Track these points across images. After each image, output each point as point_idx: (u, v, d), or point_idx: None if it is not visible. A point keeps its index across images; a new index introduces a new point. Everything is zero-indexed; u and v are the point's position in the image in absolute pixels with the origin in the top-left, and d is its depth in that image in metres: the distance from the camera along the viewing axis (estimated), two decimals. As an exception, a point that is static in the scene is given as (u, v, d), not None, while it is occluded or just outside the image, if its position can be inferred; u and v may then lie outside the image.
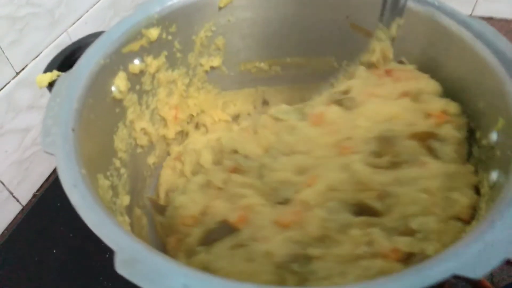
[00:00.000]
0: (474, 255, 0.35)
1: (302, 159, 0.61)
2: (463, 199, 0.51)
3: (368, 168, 0.56)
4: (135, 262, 0.35)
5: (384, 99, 0.62)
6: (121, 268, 0.35)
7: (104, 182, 0.52)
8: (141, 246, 0.37)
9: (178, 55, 0.69)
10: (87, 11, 0.93)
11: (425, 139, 0.57)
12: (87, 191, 0.41)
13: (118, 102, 0.60)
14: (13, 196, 0.83)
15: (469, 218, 0.50)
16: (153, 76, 0.66)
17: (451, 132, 0.57)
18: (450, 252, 0.35)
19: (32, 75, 0.80)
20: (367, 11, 0.66)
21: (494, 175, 0.47)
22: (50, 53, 0.83)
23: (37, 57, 0.81)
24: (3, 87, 0.75)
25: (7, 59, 0.75)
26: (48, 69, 0.58)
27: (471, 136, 0.57)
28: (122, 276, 0.34)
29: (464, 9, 1.22)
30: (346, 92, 0.66)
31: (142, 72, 0.64)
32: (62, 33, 0.86)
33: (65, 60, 0.60)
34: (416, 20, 0.61)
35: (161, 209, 0.64)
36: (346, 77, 0.71)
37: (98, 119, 0.55)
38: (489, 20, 1.22)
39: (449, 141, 0.57)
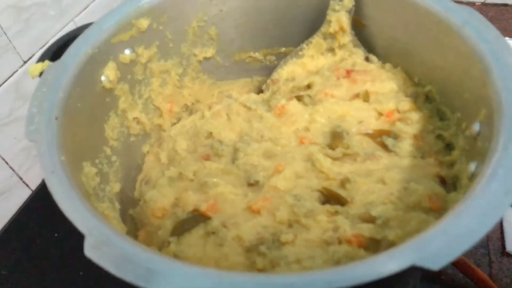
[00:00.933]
0: (436, 246, 0.35)
1: (270, 146, 0.66)
2: (420, 189, 0.54)
3: (327, 159, 0.61)
4: (103, 245, 0.37)
5: (338, 99, 0.68)
6: (89, 251, 0.36)
7: (90, 170, 0.53)
8: (110, 231, 0.38)
9: (171, 45, 0.70)
10: (94, 0, 0.94)
11: (377, 136, 0.63)
12: (64, 177, 0.43)
13: (109, 91, 0.62)
14: (23, 181, 0.86)
15: (438, 208, 0.52)
16: (145, 66, 0.67)
17: (404, 128, 0.62)
18: (412, 243, 0.35)
19: None
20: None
21: (472, 166, 0.46)
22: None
23: (44, 46, 0.83)
24: (11, 76, 0.78)
25: (14, 48, 0.77)
26: (41, 59, 0.59)
27: (458, 126, 0.56)
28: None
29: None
30: (309, 86, 0.72)
31: (133, 62, 0.65)
32: (69, 22, 0.88)
33: (58, 51, 0.61)
34: (405, 6, 0.60)
35: (132, 202, 0.66)
36: (308, 46, 0.74)
37: (86, 108, 0.56)
38: (504, 6, 1.19)
39: (402, 137, 0.61)
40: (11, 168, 0.83)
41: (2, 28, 0.73)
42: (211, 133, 0.71)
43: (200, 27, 0.71)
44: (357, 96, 0.68)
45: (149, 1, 0.63)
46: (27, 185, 0.88)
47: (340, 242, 0.52)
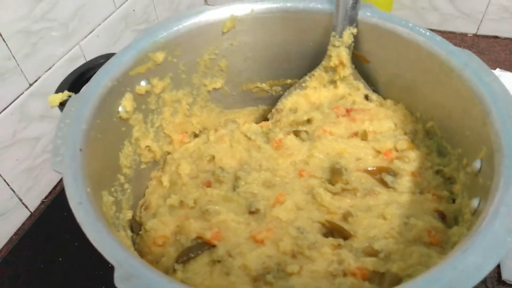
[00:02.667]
0: (446, 281, 0.37)
1: (269, 176, 0.69)
2: (419, 224, 0.57)
3: (327, 193, 0.64)
4: (132, 277, 0.38)
5: (336, 137, 0.72)
6: (119, 282, 0.38)
7: (108, 199, 0.55)
8: (138, 262, 0.40)
9: (183, 76, 0.73)
10: (99, 24, 0.97)
11: (376, 173, 0.67)
12: (91, 208, 0.45)
13: (124, 121, 0.64)
14: (22, 203, 0.87)
15: (438, 242, 0.55)
16: (158, 96, 0.70)
17: (402, 166, 0.66)
18: (423, 278, 0.38)
19: (45, 87, 0.84)
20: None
21: (475, 202, 0.49)
22: (62, 65, 0.88)
23: (50, 69, 0.85)
24: (17, 98, 0.79)
25: (21, 71, 0.79)
26: (60, 89, 0.62)
27: (459, 162, 0.59)
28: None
29: (469, 28, 1.24)
30: (309, 121, 0.75)
31: (148, 93, 0.68)
32: (74, 46, 0.91)
33: (76, 81, 0.64)
34: (409, 48, 0.64)
35: (135, 228, 0.67)
36: (311, 78, 0.78)
37: (104, 138, 0.58)
38: (494, 39, 1.24)
39: (401, 174, 0.65)
40: (11, 189, 0.84)
41: (11, 52, 0.76)
42: (213, 157, 0.73)
43: (211, 59, 0.74)
44: (355, 134, 0.72)
45: (165, 35, 0.66)
46: (26, 207, 0.89)
47: (345, 274, 0.55)
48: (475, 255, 0.39)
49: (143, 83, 0.66)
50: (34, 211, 0.90)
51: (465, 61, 0.57)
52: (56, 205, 0.88)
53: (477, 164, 0.52)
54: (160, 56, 0.66)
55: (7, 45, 0.74)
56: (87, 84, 0.58)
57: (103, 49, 0.99)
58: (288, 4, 0.70)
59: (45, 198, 0.92)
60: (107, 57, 0.65)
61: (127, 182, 0.65)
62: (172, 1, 1.28)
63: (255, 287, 0.55)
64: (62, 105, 0.60)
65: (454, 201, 0.61)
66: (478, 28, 1.24)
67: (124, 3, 1.04)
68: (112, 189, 0.60)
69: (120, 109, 0.62)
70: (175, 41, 0.68)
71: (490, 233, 0.40)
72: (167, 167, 0.75)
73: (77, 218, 0.43)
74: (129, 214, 0.64)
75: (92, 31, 0.95)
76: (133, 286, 0.38)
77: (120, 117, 0.63)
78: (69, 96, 0.60)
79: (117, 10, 1.02)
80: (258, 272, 0.56)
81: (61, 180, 0.93)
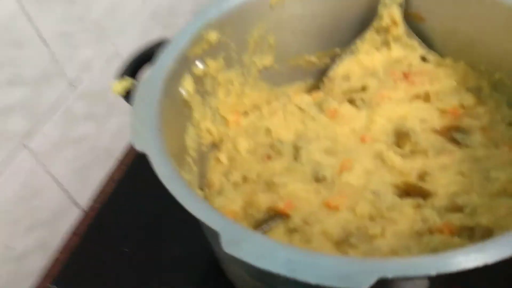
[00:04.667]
0: None
1: (330, 144, 0.68)
2: (502, 176, 0.55)
3: (397, 155, 0.62)
4: (241, 241, 0.39)
5: (397, 102, 0.69)
6: (228, 247, 0.38)
7: (187, 177, 0.56)
8: (241, 228, 0.40)
9: (234, 55, 0.72)
10: (130, 22, 0.97)
11: (446, 132, 0.64)
12: (183, 183, 0.45)
13: (186, 103, 0.65)
14: (76, 202, 0.89)
15: None
16: (213, 78, 0.70)
17: (472, 122, 0.64)
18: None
19: (86, 87, 0.86)
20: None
21: None
22: (101, 65, 0.89)
23: (89, 69, 0.86)
24: (61, 100, 0.81)
25: (65, 73, 0.80)
26: (118, 76, 0.62)
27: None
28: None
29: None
30: (363, 88, 0.73)
31: (204, 74, 0.68)
32: (110, 45, 0.91)
33: (134, 68, 0.64)
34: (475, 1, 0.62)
35: None
36: (363, 42, 0.76)
37: (173, 120, 0.59)
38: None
39: (471, 131, 0.63)
40: (66, 190, 0.86)
41: (54, 55, 0.77)
42: (270, 130, 0.73)
43: (261, 35, 0.74)
44: (416, 97, 0.70)
45: (218, 15, 0.66)
46: (80, 206, 0.90)
47: (431, 232, 0.54)
48: None
49: (199, 64, 0.66)
50: (88, 211, 0.91)
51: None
52: (110, 204, 0.90)
53: None
54: (214, 36, 0.66)
55: (50, 48, 0.75)
56: (152, 68, 0.58)
57: (134, 46, 0.99)
58: (336, -30, 0.69)
59: (98, 197, 0.94)
60: (158, 43, 0.66)
61: (194, 164, 0.66)
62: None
63: (339, 250, 0.55)
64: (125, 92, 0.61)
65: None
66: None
67: (151, -1, 1.05)
68: (186, 169, 0.60)
69: (182, 91, 0.63)
70: (226, 20, 0.67)
71: None
72: (223, 145, 0.75)
73: (173, 193, 0.43)
74: (200, 194, 0.64)
75: (125, 30, 0.96)
76: (244, 250, 0.38)
77: (183, 99, 0.63)
78: (132, 83, 0.61)
79: (145, 6, 1.02)
80: (340, 237, 0.56)
81: (109, 179, 0.96)
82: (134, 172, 0.94)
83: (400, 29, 0.72)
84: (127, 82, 0.61)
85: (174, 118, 0.60)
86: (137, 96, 0.54)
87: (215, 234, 0.40)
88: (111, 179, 0.96)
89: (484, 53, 0.66)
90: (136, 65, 0.66)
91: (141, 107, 0.53)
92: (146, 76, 0.57)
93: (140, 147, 0.48)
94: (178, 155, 0.59)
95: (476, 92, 0.67)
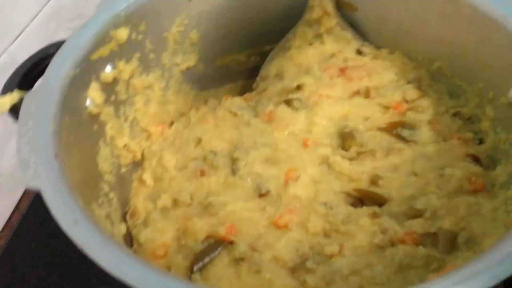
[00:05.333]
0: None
1: (270, 152, 0.61)
2: (457, 172, 0.52)
3: (344, 159, 0.58)
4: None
5: (336, 100, 0.64)
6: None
7: (100, 212, 0.44)
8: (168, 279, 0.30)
9: (151, 56, 0.62)
10: (27, 25, 0.84)
11: (391, 129, 0.60)
12: (91, 226, 0.34)
13: (95, 117, 0.53)
14: None
15: (482, 187, 0.51)
16: (127, 83, 0.59)
17: (417, 116, 0.60)
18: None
19: None
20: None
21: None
22: None
23: None
24: None
25: None
26: (5, 90, 0.49)
27: (482, 97, 0.55)
28: None
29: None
30: (298, 87, 0.67)
31: (115, 80, 0.56)
32: (3, 53, 0.77)
33: (24, 78, 0.51)
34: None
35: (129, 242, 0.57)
36: (294, 36, 0.71)
37: (77, 140, 0.47)
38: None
39: (418, 125, 0.59)
40: None
41: None
42: (200, 140, 0.64)
43: (181, 32, 0.64)
44: (356, 93, 0.65)
45: (126, 7, 0.55)
46: None
47: (393, 244, 0.49)
48: None
49: (108, 68, 0.55)
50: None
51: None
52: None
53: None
54: (123, 33, 0.55)
55: None
56: (43, 76, 0.46)
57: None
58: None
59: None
60: (59, 45, 0.53)
61: (112, 191, 0.54)
62: (105, -12, 1.14)
63: (295, 278, 0.48)
64: (13, 109, 0.47)
65: (480, 141, 0.56)
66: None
67: (51, -2, 0.91)
68: (100, 201, 0.49)
69: (88, 102, 0.51)
70: (138, 14, 0.57)
71: None
72: (146, 162, 0.64)
73: (76, 241, 0.32)
74: (122, 228, 0.53)
75: (20, 34, 0.81)
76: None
77: (89, 112, 0.51)
78: (21, 97, 0.47)
79: (45, 7, 0.88)
80: (294, 262, 0.49)
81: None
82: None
83: (333, 20, 0.68)
84: (15, 96, 0.48)
85: (80, 136, 0.48)
86: (24, 112, 0.42)
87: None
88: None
89: (420, 42, 0.62)
90: (30, 74, 0.53)
91: (30, 127, 0.40)
92: (36, 87, 0.45)
93: (30, 182, 0.36)
94: (88, 184, 0.47)
95: (417, 83, 0.64)
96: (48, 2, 0.89)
